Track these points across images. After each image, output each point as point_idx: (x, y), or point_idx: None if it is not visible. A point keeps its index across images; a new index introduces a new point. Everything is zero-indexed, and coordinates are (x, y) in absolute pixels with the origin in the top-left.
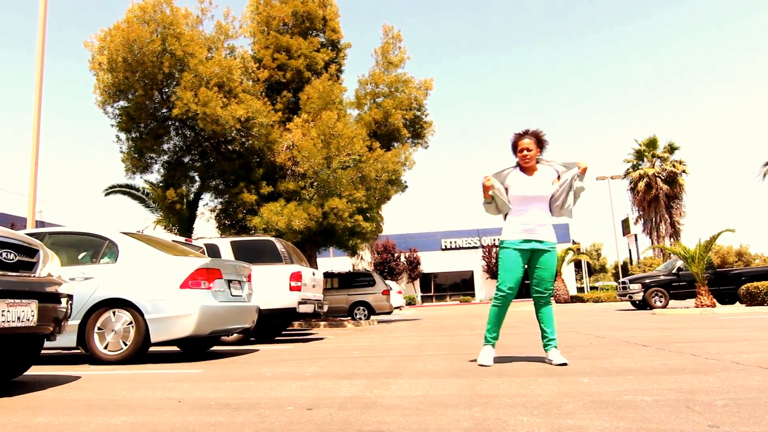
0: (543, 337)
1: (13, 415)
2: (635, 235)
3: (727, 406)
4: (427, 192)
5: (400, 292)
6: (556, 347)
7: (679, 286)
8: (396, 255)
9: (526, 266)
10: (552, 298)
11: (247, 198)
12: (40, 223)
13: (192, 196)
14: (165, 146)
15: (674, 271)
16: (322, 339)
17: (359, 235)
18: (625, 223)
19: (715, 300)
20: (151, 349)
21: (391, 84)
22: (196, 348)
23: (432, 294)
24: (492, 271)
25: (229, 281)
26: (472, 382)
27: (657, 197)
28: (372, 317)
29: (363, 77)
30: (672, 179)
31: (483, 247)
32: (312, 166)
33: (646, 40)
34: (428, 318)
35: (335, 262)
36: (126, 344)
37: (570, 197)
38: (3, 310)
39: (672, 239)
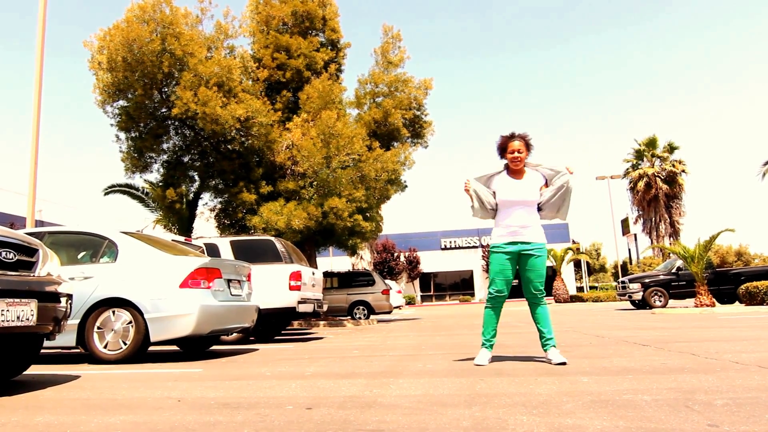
0: (541, 338)
1: (12, 415)
2: (635, 235)
3: (727, 405)
4: (427, 192)
5: (399, 292)
6: (554, 346)
7: (678, 286)
8: (396, 254)
9: (517, 267)
10: (546, 298)
11: (246, 197)
12: (40, 223)
13: (192, 195)
14: (164, 146)
15: (674, 270)
16: (321, 338)
17: (359, 235)
18: (625, 223)
19: (714, 299)
20: (151, 348)
21: (391, 84)
22: (195, 347)
23: (432, 293)
24: None
25: (229, 281)
26: (472, 382)
27: (656, 197)
28: (372, 317)
29: (363, 77)
30: (671, 179)
31: (483, 246)
32: (311, 165)
33: (646, 40)
34: (428, 317)
35: (335, 261)
36: (125, 344)
37: (567, 202)
38: (2, 310)
39: (671, 239)
